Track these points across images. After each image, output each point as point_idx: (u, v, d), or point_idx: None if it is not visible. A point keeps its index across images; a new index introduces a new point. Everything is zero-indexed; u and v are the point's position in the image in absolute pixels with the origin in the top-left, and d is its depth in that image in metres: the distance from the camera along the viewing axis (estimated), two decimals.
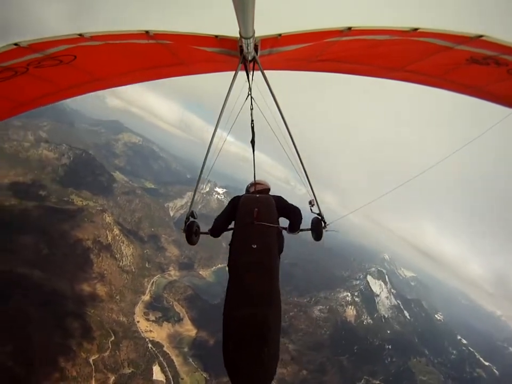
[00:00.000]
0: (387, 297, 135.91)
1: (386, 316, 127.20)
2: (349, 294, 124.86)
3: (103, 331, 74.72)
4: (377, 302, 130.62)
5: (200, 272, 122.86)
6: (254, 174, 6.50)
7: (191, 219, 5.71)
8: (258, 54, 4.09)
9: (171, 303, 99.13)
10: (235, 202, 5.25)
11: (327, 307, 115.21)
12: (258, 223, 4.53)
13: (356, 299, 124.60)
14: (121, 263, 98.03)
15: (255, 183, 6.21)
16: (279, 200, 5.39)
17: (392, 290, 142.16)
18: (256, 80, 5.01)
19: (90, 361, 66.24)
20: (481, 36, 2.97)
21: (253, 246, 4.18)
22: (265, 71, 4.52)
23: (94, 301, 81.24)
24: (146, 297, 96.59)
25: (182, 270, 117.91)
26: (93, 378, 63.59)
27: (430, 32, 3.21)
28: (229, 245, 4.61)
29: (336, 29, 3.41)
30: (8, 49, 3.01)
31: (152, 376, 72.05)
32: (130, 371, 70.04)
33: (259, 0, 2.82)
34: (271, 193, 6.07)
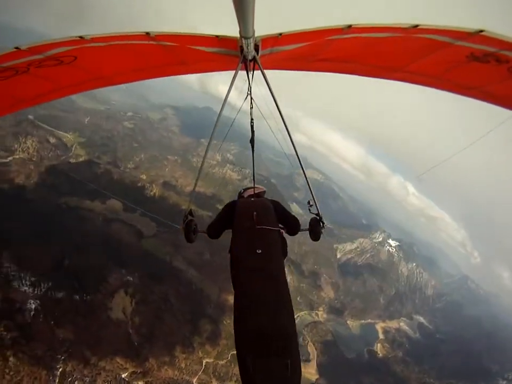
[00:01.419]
0: None
1: None
2: None
3: (229, 342, 75.99)
4: None
5: (348, 322, 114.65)
6: (253, 173, 6.65)
7: (189, 217, 5.80)
8: (259, 53, 4.06)
9: (307, 341, 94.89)
10: (230, 207, 5.36)
11: None
12: (259, 227, 4.49)
13: None
14: None
15: (247, 188, 6.36)
16: (276, 204, 5.40)
17: None
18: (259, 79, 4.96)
19: (204, 362, 68.92)
20: (481, 31, 2.85)
21: (257, 251, 4.11)
22: (266, 71, 4.52)
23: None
24: None
25: (330, 314, 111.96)
26: (197, 377, 65.71)
27: (430, 29, 3.12)
28: (229, 251, 4.54)
29: (337, 27, 3.38)
30: (9, 52, 3.17)
31: None
32: None
33: (259, 0, 2.84)
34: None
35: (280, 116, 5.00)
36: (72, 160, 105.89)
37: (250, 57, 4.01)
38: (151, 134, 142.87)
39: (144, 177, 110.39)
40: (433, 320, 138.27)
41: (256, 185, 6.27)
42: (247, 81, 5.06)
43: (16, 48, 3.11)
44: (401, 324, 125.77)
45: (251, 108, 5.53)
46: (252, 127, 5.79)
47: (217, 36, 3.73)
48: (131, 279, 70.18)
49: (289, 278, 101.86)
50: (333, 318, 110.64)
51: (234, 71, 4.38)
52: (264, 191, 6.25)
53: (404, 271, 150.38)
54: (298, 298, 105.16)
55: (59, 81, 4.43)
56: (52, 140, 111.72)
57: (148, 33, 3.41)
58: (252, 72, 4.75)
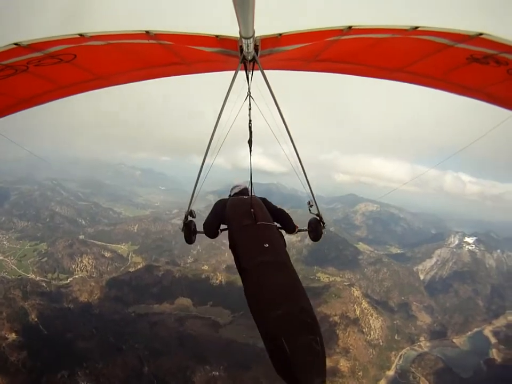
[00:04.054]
0: None
1: None
2: None
3: None
4: None
5: (454, 340, 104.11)
6: (251, 175, 6.28)
7: (190, 218, 6.01)
8: (259, 54, 4.06)
9: (417, 378, 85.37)
10: (222, 205, 5.54)
11: None
12: (260, 223, 4.66)
13: None
14: (368, 337, 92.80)
15: (234, 186, 6.39)
16: (265, 200, 5.66)
17: None
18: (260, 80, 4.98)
19: None
20: (481, 34, 2.91)
21: (265, 245, 4.21)
22: (266, 71, 4.52)
23: (334, 376, 77.52)
24: (390, 373, 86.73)
25: (434, 340, 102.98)
26: None
27: (430, 31, 3.15)
28: (231, 247, 4.62)
29: (337, 28, 3.39)
30: (9, 49, 3.11)
31: None
32: None
33: (259, 0, 2.84)
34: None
35: (280, 116, 4.93)
36: (131, 269, 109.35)
37: (250, 58, 3.99)
38: (201, 224, 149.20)
39: (206, 267, 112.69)
40: None
41: (241, 184, 6.30)
42: (247, 81, 4.96)
43: (16, 44, 3.04)
44: (509, 317, 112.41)
45: (249, 108, 5.30)
46: (250, 128, 5.50)
47: (216, 36, 3.68)
48: (217, 373, 67.47)
49: (379, 320, 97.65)
50: (437, 343, 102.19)
51: (234, 72, 4.34)
52: (246, 188, 6.19)
53: (491, 263, 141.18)
54: (396, 337, 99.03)
55: (59, 81, 4.33)
56: (107, 254, 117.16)
57: (147, 32, 3.37)
58: (251, 73, 4.68)
